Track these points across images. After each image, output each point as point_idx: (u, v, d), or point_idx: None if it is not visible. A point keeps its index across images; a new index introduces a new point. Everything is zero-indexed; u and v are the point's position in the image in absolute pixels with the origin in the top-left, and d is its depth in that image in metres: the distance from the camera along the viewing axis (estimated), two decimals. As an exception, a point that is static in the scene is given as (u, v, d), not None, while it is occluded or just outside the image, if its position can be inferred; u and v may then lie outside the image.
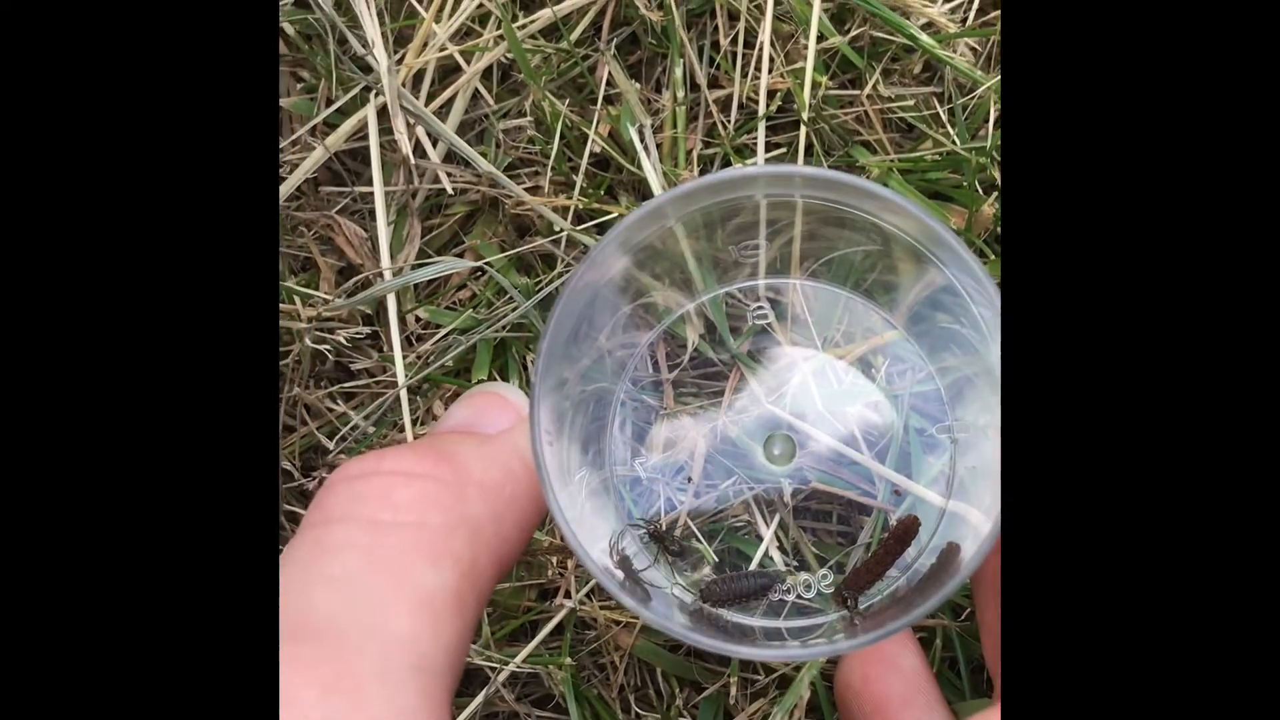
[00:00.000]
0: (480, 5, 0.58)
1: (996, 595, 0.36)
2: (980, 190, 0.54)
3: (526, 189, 0.57)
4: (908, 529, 0.43)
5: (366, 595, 0.29)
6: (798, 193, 0.42)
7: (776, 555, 0.48)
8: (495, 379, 0.56)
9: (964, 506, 0.45)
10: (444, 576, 0.30)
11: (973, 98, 0.56)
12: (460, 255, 0.59)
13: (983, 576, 0.37)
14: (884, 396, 0.49)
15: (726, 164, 0.57)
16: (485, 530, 0.33)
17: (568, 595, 0.54)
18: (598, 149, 0.58)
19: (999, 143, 0.54)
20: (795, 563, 0.48)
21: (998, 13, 0.55)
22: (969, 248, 0.36)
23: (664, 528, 0.45)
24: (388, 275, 0.56)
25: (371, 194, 0.58)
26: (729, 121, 0.58)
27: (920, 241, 0.40)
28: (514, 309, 0.56)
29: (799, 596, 0.47)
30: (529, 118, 0.58)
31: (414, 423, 0.56)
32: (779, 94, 0.57)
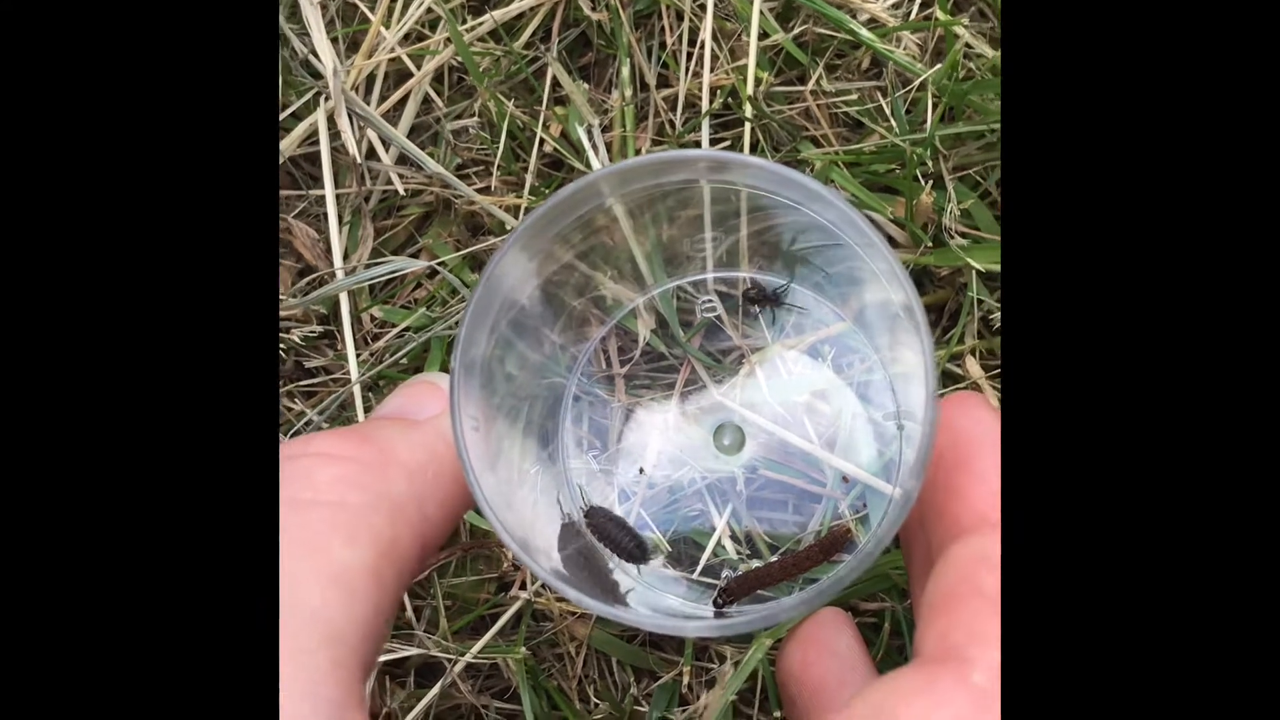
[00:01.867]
0: (429, 10, 0.59)
1: (919, 538, 0.36)
2: (921, 180, 0.55)
3: (478, 189, 0.58)
4: (837, 540, 0.43)
5: (282, 571, 0.29)
6: (740, 183, 0.43)
7: (729, 544, 0.49)
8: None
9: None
10: (361, 553, 0.31)
11: (912, 90, 0.57)
12: (415, 255, 0.59)
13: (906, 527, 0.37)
14: (832, 386, 0.49)
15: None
16: (407, 510, 0.33)
17: (523, 587, 0.55)
18: (549, 149, 0.59)
19: (937, 132, 0.55)
20: (748, 551, 0.49)
21: (935, 8, 0.56)
22: (885, 236, 0.37)
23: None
24: (340, 275, 0.57)
25: (326, 197, 0.59)
26: (677, 119, 0.58)
27: (841, 229, 0.40)
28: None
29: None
30: (477, 118, 0.59)
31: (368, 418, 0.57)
32: (724, 90, 0.58)
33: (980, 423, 0.35)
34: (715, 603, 0.45)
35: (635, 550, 0.46)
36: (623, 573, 0.47)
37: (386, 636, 0.33)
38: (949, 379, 0.55)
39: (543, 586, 0.55)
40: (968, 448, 0.34)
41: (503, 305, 0.41)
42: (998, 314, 0.54)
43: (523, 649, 0.53)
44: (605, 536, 0.46)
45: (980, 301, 0.54)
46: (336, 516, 0.31)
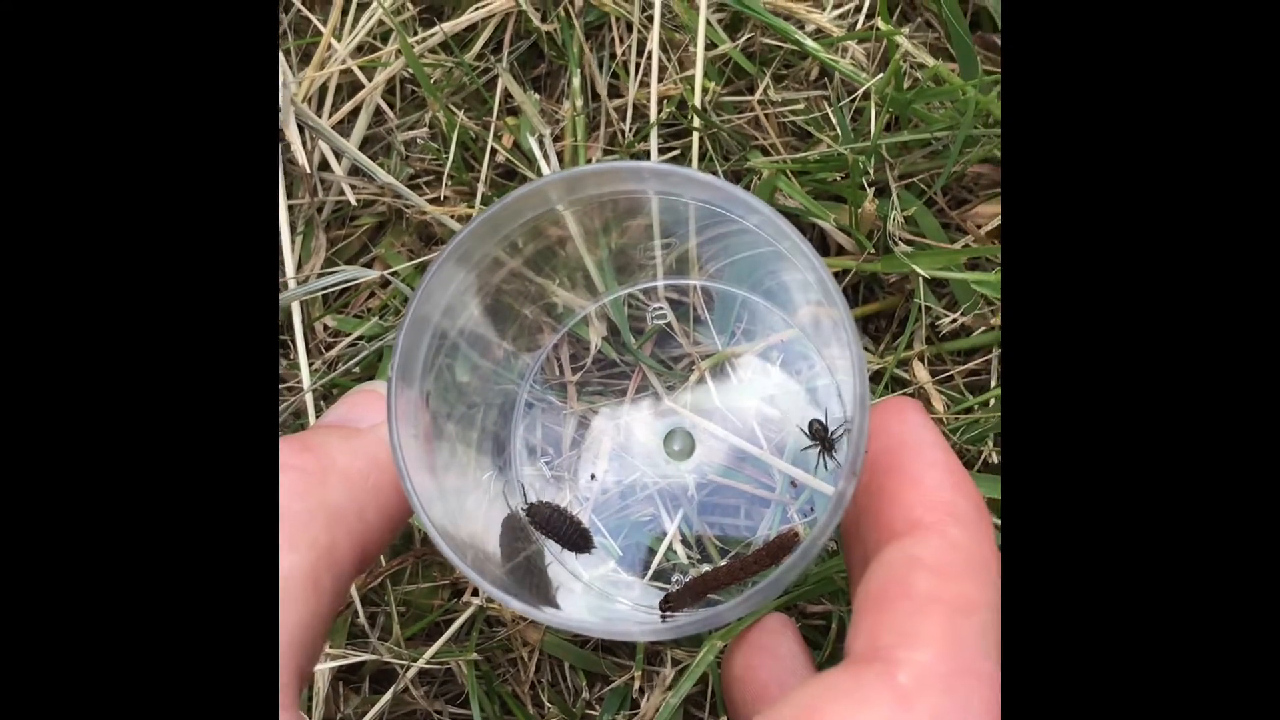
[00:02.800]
0: (381, 22, 0.60)
1: (857, 540, 0.37)
2: (866, 188, 0.56)
3: (430, 199, 0.59)
4: (785, 544, 0.44)
5: None
6: (680, 191, 0.43)
7: (680, 549, 0.49)
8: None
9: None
10: (299, 559, 0.32)
11: (855, 99, 0.57)
12: (369, 265, 0.60)
13: (845, 529, 0.38)
14: (782, 392, 0.50)
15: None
16: (347, 517, 0.34)
17: (475, 593, 0.55)
18: (502, 159, 0.59)
19: (881, 140, 0.55)
20: (699, 555, 0.49)
21: (878, 18, 0.57)
22: (807, 247, 0.37)
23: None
24: (291, 285, 0.57)
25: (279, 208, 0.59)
26: (627, 129, 0.59)
27: (773, 237, 0.41)
28: (420, 316, 0.57)
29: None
30: (428, 129, 0.60)
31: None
32: (673, 100, 0.58)
33: (913, 427, 0.36)
34: (661, 609, 0.45)
35: (578, 539, 0.46)
36: (574, 577, 0.48)
37: (324, 640, 0.33)
38: (897, 384, 0.56)
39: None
40: (901, 452, 0.35)
41: (446, 312, 0.42)
42: (944, 320, 0.55)
43: (474, 654, 0.54)
44: (549, 527, 0.46)
45: (928, 308, 0.55)
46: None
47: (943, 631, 0.30)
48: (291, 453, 0.34)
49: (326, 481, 0.34)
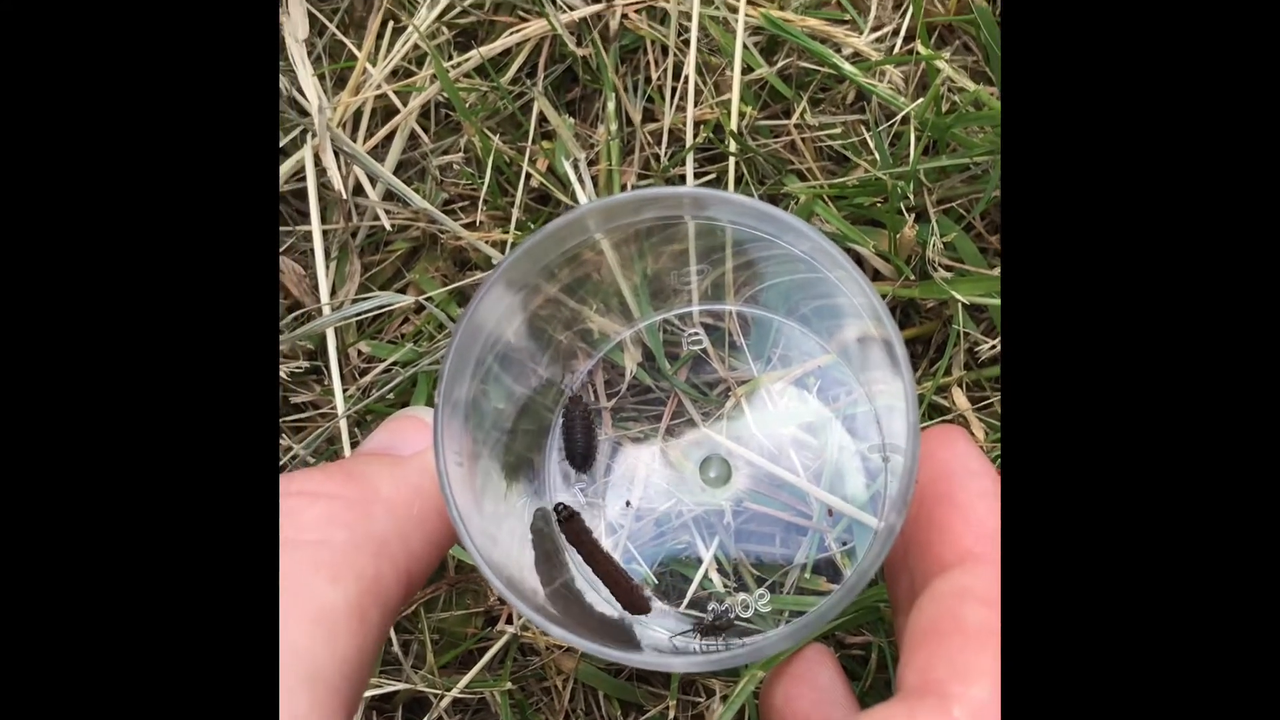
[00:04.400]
0: (416, 47, 0.59)
1: (903, 571, 0.36)
2: (905, 214, 0.55)
3: (464, 224, 0.59)
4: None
5: None
6: (724, 218, 0.43)
7: (716, 577, 0.49)
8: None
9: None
10: (344, 591, 0.31)
11: (894, 123, 0.57)
12: (403, 290, 0.59)
13: (890, 559, 0.37)
14: (819, 419, 0.50)
15: (660, 194, 0.58)
16: (391, 547, 0.33)
17: (509, 621, 0.55)
18: (536, 183, 0.59)
19: (919, 166, 0.55)
20: (734, 584, 0.49)
21: (917, 42, 0.57)
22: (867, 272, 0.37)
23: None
24: (326, 310, 0.57)
25: (313, 233, 0.59)
26: (662, 153, 0.59)
27: (819, 262, 0.40)
28: (454, 341, 0.57)
29: (737, 617, 0.48)
30: (462, 154, 0.60)
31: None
32: (709, 125, 0.58)
33: (963, 456, 0.35)
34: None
35: (580, 456, 0.46)
36: (609, 605, 0.48)
37: (372, 673, 0.33)
38: (935, 411, 0.55)
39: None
40: (949, 481, 0.34)
41: (487, 340, 0.41)
42: (984, 346, 0.55)
43: (508, 683, 0.53)
44: (567, 430, 0.47)
45: (966, 334, 0.55)
46: (319, 555, 0.32)
47: (997, 666, 0.29)
48: (335, 482, 0.34)
49: (371, 511, 0.33)
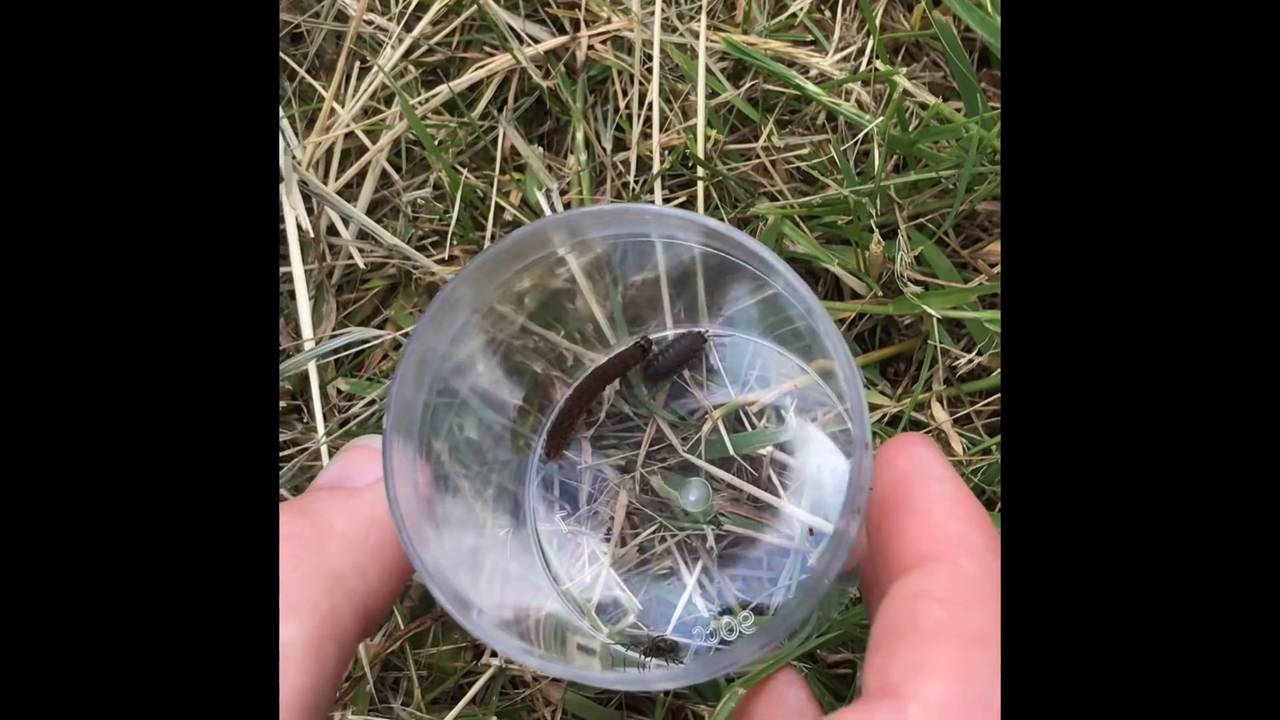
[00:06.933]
0: (384, 85, 0.60)
1: (875, 583, 0.36)
2: (875, 230, 0.55)
3: (437, 259, 0.59)
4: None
5: None
6: (693, 239, 0.43)
7: (700, 602, 0.49)
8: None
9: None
10: (298, 629, 0.31)
11: (857, 141, 0.57)
12: (381, 327, 0.60)
13: (865, 573, 0.37)
14: (798, 439, 0.50)
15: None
16: (346, 580, 0.34)
17: (494, 654, 0.54)
18: (509, 215, 0.59)
19: (885, 182, 0.55)
20: (719, 608, 0.48)
21: (877, 59, 0.57)
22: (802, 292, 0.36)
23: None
24: (308, 347, 0.57)
25: (292, 273, 0.59)
26: (632, 180, 0.59)
27: (773, 279, 0.40)
28: (431, 376, 0.57)
29: (721, 641, 0.48)
30: (432, 189, 0.60)
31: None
32: (677, 150, 0.58)
33: (919, 461, 0.35)
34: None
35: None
36: (593, 634, 0.47)
37: (329, 705, 0.33)
38: (916, 426, 0.55)
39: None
40: (908, 488, 0.34)
41: (448, 366, 0.41)
42: (961, 360, 0.54)
43: (494, 716, 0.53)
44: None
45: (946, 350, 0.54)
46: None
47: (953, 662, 0.29)
48: (288, 521, 0.34)
49: (324, 547, 0.34)
